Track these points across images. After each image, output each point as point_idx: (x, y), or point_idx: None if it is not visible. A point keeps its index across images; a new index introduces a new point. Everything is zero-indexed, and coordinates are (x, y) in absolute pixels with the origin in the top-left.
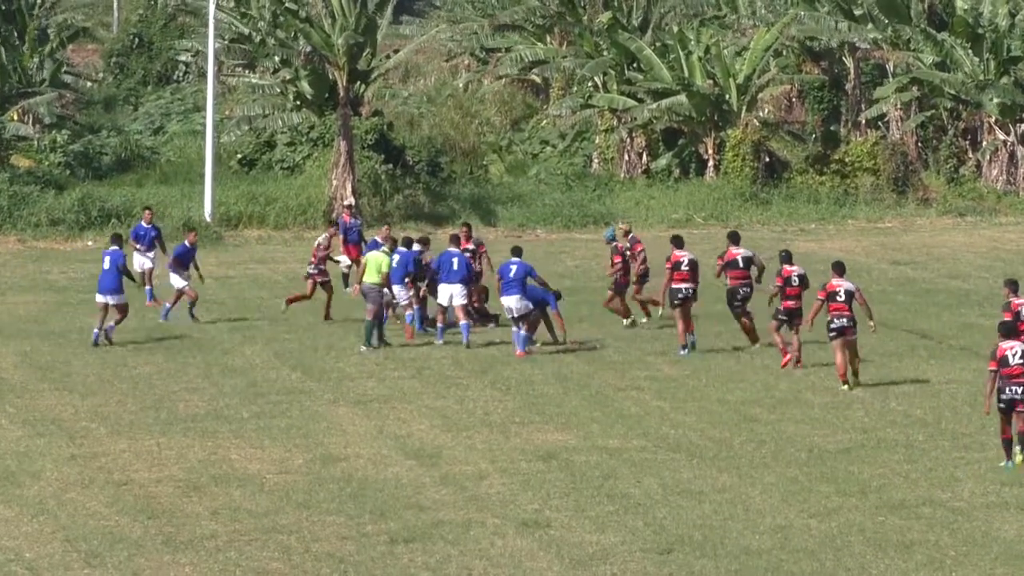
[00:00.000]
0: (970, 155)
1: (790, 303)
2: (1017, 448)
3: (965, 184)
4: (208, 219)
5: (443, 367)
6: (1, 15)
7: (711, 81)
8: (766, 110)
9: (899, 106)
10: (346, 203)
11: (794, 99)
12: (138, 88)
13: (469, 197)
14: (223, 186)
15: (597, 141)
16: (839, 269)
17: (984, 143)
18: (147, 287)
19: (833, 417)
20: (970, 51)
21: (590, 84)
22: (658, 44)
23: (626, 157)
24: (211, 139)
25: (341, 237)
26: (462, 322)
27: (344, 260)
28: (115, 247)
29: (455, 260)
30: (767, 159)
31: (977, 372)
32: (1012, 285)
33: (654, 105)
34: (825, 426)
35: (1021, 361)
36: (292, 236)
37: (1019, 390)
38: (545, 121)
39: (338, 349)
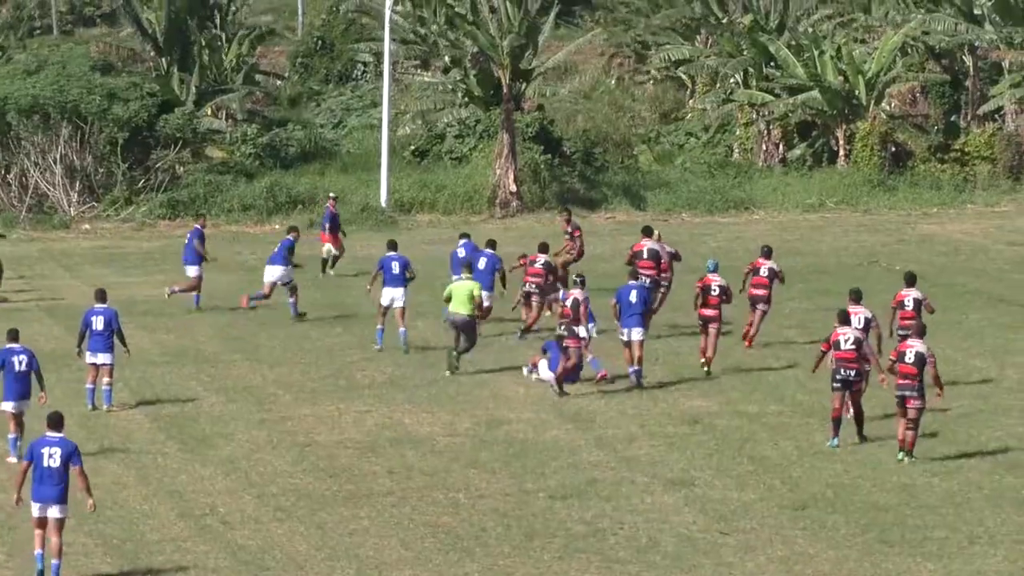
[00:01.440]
0: None
1: (707, 311)
2: (855, 430)
3: None
4: (384, 205)
5: (599, 340)
6: (199, 20)
7: (842, 78)
8: (892, 104)
9: (1014, 101)
10: (332, 194)
11: (918, 94)
12: (321, 86)
13: (620, 184)
14: (397, 175)
15: (738, 133)
16: (910, 280)
17: None
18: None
19: (954, 385)
20: None
21: (732, 81)
22: (793, 44)
23: (764, 147)
24: (387, 132)
25: (327, 225)
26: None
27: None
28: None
29: (482, 259)
30: (893, 149)
31: None
32: (909, 278)
33: (790, 100)
34: (948, 392)
35: (852, 347)
36: (460, 220)
37: (852, 372)
38: (691, 114)
39: (503, 323)
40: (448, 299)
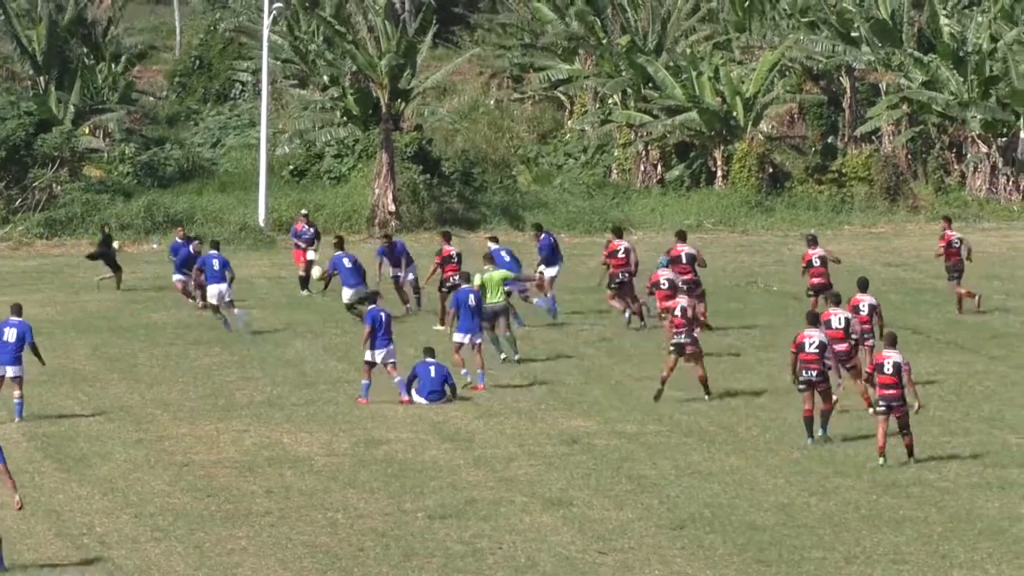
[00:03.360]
0: (955, 167)
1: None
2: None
3: (951, 193)
4: (262, 224)
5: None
6: (79, 38)
7: (720, 99)
8: (770, 125)
9: (891, 122)
10: (303, 212)
11: (796, 115)
12: (199, 105)
13: (499, 204)
14: (276, 194)
15: (616, 153)
16: (863, 285)
17: (968, 156)
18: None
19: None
20: (955, 72)
21: (610, 101)
22: (671, 65)
23: (642, 168)
24: (265, 151)
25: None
26: None
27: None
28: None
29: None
30: (771, 170)
31: (962, 364)
32: (861, 283)
33: (668, 121)
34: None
35: (816, 350)
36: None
37: (814, 374)
38: (569, 135)
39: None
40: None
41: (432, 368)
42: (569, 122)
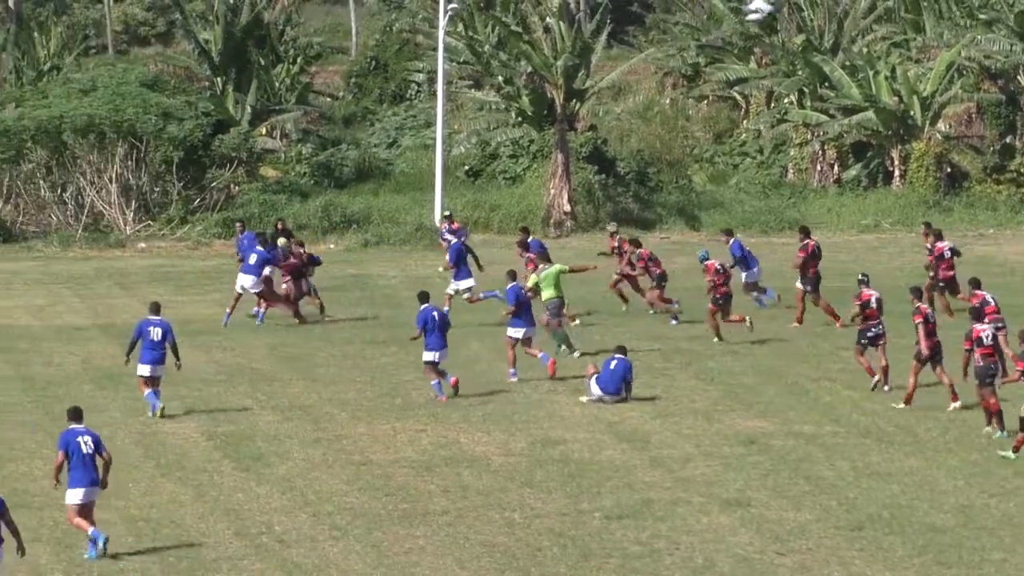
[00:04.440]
0: None
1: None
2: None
3: None
4: (438, 224)
5: (652, 360)
6: (255, 40)
7: (897, 98)
8: (948, 125)
9: None
10: (445, 213)
11: (973, 115)
12: (375, 106)
13: (674, 204)
14: (451, 194)
15: (792, 153)
16: (976, 283)
17: None
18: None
19: (1011, 406)
20: None
21: (786, 101)
22: (848, 64)
23: (818, 168)
24: (441, 152)
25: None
26: None
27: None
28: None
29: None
30: (948, 170)
31: None
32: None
33: (844, 120)
34: (1005, 414)
35: (992, 342)
36: (514, 240)
37: (993, 365)
38: (745, 135)
39: (555, 342)
40: (537, 287)
41: (614, 362)
42: (745, 122)
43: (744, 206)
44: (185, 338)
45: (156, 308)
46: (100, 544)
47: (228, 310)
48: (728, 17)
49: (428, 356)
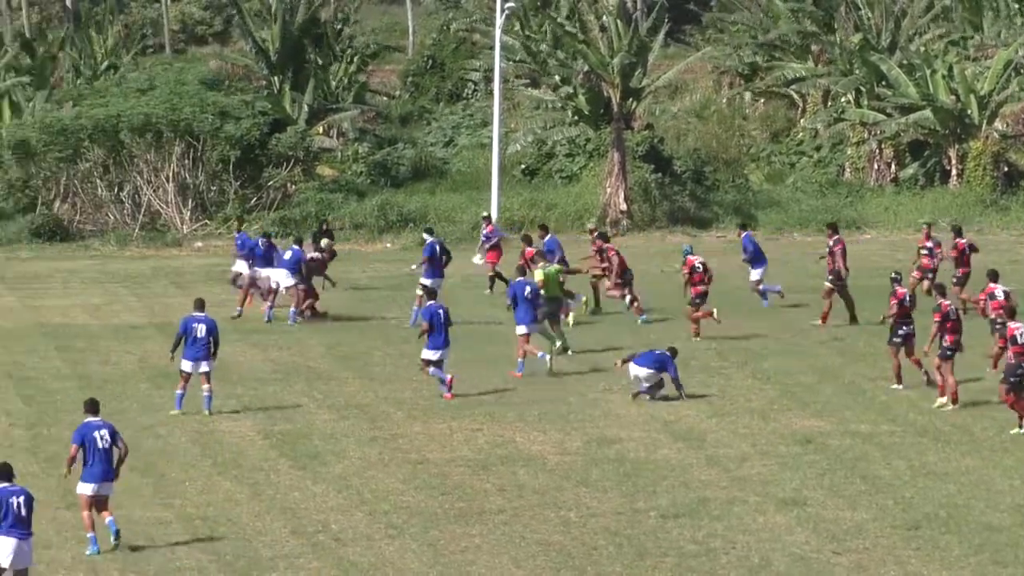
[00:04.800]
0: None
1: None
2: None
3: None
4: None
5: (708, 359)
6: (312, 39)
7: (954, 97)
8: (1005, 124)
9: None
10: (484, 215)
11: None
12: (431, 104)
13: (731, 203)
14: (507, 193)
15: (849, 152)
16: (993, 276)
17: None
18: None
19: None
20: None
21: (843, 100)
22: (905, 63)
23: (875, 167)
24: (497, 150)
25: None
26: None
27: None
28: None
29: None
30: (1006, 169)
31: None
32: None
33: (902, 119)
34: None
35: None
36: (569, 239)
37: None
38: (801, 133)
39: (611, 342)
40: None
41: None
42: (801, 120)
43: (801, 205)
44: (241, 336)
45: (200, 305)
46: (111, 537)
47: (268, 305)
48: (786, 15)
49: (428, 355)
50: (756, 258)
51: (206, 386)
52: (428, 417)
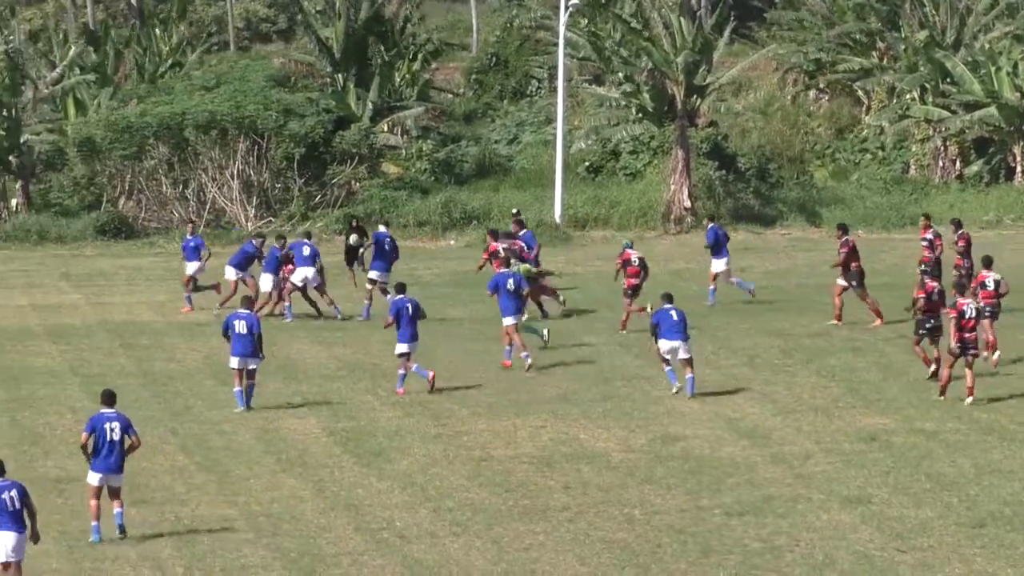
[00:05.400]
0: None
1: (632, 280)
2: None
3: None
4: (558, 221)
5: (772, 356)
6: (376, 36)
7: (1019, 94)
8: None
9: None
10: (514, 211)
11: None
12: (495, 102)
13: (795, 200)
14: (571, 191)
15: (914, 149)
16: (987, 262)
17: None
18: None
19: None
20: None
21: (908, 97)
22: (970, 60)
23: (940, 164)
24: (561, 148)
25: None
26: None
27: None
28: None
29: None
30: None
31: None
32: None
33: (966, 116)
34: None
35: None
36: (633, 236)
37: None
38: (866, 131)
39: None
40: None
41: (673, 312)
42: (866, 117)
43: (865, 202)
44: (306, 333)
45: (247, 302)
46: (117, 529)
47: (288, 303)
48: (850, 12)
49: (399, 348)
50: (717, 249)
51: (248, 381)
52: (492, 414)
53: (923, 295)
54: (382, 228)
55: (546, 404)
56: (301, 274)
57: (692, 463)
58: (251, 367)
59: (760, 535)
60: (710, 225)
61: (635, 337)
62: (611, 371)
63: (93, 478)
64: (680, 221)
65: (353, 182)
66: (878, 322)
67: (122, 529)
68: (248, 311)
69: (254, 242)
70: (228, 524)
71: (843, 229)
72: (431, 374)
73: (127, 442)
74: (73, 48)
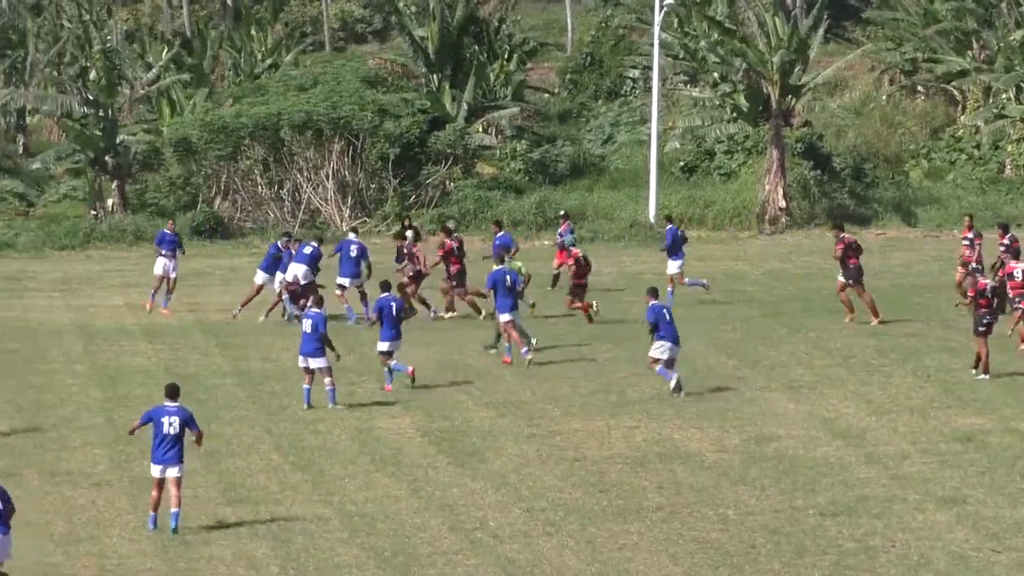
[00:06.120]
0: None
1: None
2: None
3: None
4: (652, 221)
5: (867, 355)
6: (471, 36)
7: None
8: None
9: None
10: (561, 212)
11: None
12: (590, 102)
13: (891, 200)
14: (666, 191)
15: (1010, 149)
16: (1016, 254)
17: None
18: (167, 294)
19: None
20: None
21: (1004, 96)
22: None
23: None
24: (656, 148)
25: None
26: None
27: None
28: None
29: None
30: None
31: None
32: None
33: None
34: None
35: None
36: (728, 236)
37: None
38: (962, 130)
39: (771, 339)
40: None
41: (666, 312)
42: (962, 117)
43: (961, 202)
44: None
45: (317, 301)
46: (171, 525)
47: (348, 304)
48: (946, 11)
49: (381, 346)
50: (673, 251)
51: (327, 379)
52: (586, 414)
53: (974, 292)
54: (351, 235)
55: (639, 404)
56: (292, 272)
57: (786, 463)
58: (315, 366)
59: (854, 535)
60: (668, 226)
61: (731, 338)
62: (705, 371)
63: (153, 470)
64: (775, 221)
65: (448, 182)
66: (874, 320)
67: (175, 530)
68: (318, 311)
69: (279, 243)
70: (322, 523)
71: (839, 227)
72: (411, 368)
73: (189, 436)
74: (168, 49)
